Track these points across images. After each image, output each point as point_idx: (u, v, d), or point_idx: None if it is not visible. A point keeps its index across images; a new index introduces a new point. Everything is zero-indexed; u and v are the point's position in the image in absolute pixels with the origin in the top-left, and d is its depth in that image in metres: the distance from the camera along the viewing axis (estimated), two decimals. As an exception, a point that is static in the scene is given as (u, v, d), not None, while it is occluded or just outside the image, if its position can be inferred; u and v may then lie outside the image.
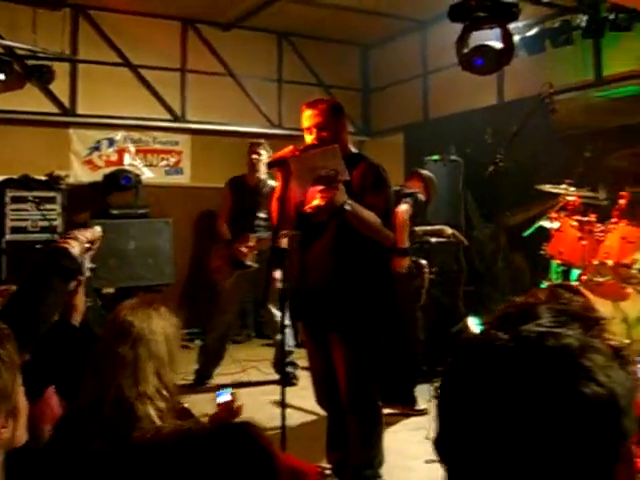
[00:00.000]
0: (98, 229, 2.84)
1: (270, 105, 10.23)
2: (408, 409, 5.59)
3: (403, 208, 5.72)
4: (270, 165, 3.96)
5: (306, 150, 3.77)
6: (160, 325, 2.36)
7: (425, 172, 6.42)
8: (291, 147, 3.78)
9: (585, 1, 7.24)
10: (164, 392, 2.29)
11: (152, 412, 2.22)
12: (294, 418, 5.43)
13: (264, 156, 6.75)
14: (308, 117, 3.84)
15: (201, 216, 9.44)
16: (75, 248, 2.60)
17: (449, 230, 6.88)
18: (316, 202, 3.74)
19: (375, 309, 3.92)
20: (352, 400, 3.91)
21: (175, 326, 2.43)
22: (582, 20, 7.20)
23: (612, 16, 6.96)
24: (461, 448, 0.94)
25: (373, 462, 3.99)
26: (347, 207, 3.59)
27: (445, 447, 0.97)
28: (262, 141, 6.98)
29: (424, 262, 6.20)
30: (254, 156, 6.82)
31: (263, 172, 6.83)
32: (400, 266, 5.63)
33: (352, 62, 11.02)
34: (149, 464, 1.15)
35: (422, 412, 5.45)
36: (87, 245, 2.71)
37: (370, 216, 3.71)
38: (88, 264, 2.78)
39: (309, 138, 3.83)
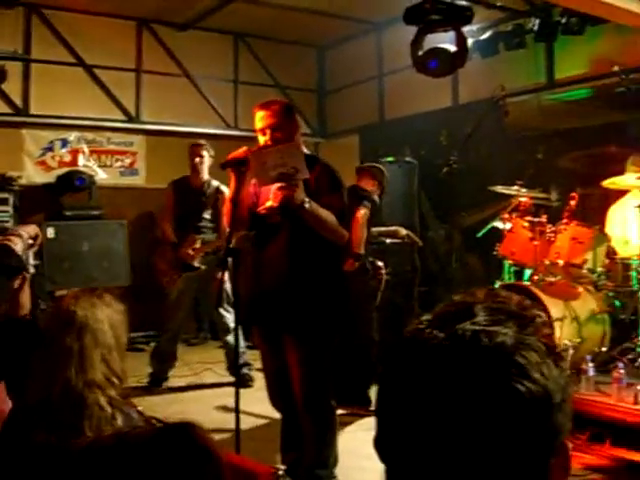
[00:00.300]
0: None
1: (226, 106, 10.20)
2: (363, 410, 5.61)
3: (361, 213, 5.75)
4: (224, 166, 3.95)
5: (262, 150, 3.78)
6: (105, 313, 2.32)
7: (374, 166, 6.40)
8: (244, 148, 3.78)
9: (537, 5, 7.34)
10: (113, 379, 2.26)
11: (102, 400, 2.19)
12: (250, 419, 5.43)
13: (206, 157, 6.76)
14: (261, 118, 3.84)
15: (157, 217, 9.38)
16: (17, 245, 2.57)
17: (403, 231, 6.93)
18: (269, 203, 3.74)
19: (329, 310, 3.93)
20: (306, 401, 3.92)
21: (121, 312, 2.39)
22: (535, 24, 7.32)
23: (564, 20, 7.08)
24: (399, 447, 0.94)
25: (327, 462, 4.00)
26: (306, 205, 3.61)
27: (384, 446, 0.98)
28: (203, 142, 6.96)
29: (380, 263, 6.23)
30: (197, 159, 6.80)
31: (206, 173, 6.83)
32: (351, 267, 5.65)
33: (308, 63, 11.03)
34: (88, 470, 1.14)
35: (377, 412, 5.48)
36: (30, 241, 2.68)
37: (327, 215, 3.73)
38: (32, 260, 2.74)
39: (263, 139, 3.84)
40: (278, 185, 3.65)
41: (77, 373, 2.20)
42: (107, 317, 2.33)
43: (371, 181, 6.16)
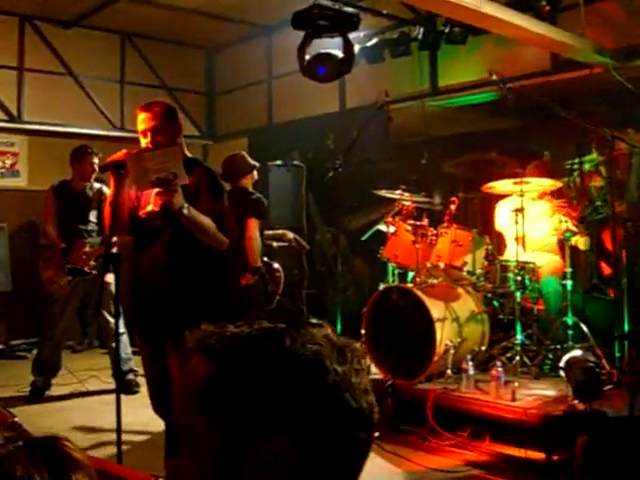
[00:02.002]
0: None
1: (112, 107, 9.98)
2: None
3: (253, 224, 5.72)
4: (103, 169, 3.86)
5: (141, 153, 3.72)
6: None
7: (239, 156, 6.20)
8: (124, 150, 3.71)
9: (422, 14, 7.51)
10: None
11: None
12: (135, 426, 5.34)
13: (96, 165, 6.63)
14: (143, 120, 3.78)
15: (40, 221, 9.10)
16: None
17: (291, 234, 6.97)
18: (150, 207, 3.69)
19: (209, 315, 3.90)
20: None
21: None
22: (419, 32, 7.49)
23: (447, 30, 7.26)
24: None
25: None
26: (185, 211, 3.57)
27: None
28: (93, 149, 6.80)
29: (277, 265, 6.24)
30: (89, 168, 6.64)
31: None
32: (247, 282, 5.64)
33: (197, 65, 10.97)
34: None
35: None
36: None
37: (206, 221, 3.70)
38: None
39: (144, 141, 3.78)
40: (157, 190, 3.61)
41: None
42: None
43: (248, 176, 6.08)
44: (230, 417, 0.99)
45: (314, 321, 1.14)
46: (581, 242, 6.02)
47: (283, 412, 0.97)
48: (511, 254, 6.03)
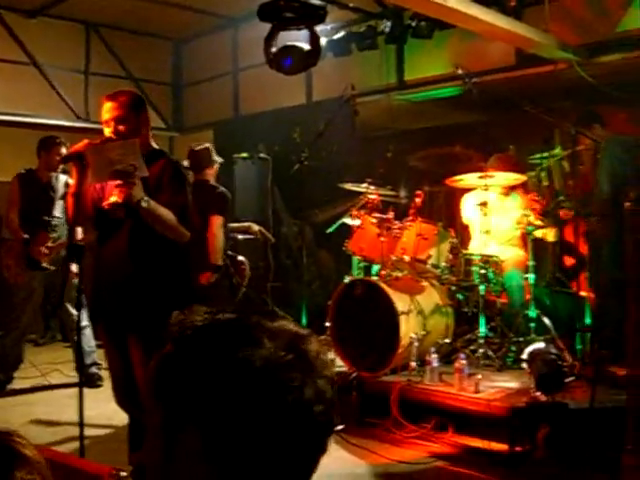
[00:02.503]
0: None
1: (76, 97, 9.86)
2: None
3: (218, 222, 5.69)
4: (65, 159, 3.82)
5: (103, 143, 3.68)
6: None
7: (205, 148, 6.15)
8: (86, 141, 3.67)
9: (389, 8, 7.52)
10: None
11: None
12: (99, 420, 5.31)
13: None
14: (107, 109, 3.74)
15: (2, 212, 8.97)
16: None
17: (256, 227, 6.95)
18: (114, 198, 3.66)
19: (172, 308, 3.86)
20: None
21: None
22: (386, 26, 7.49)
23: (414, 24, 7.28)
24: None
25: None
26: (143, 204, 3.55)
27: None
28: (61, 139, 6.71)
29: (242, 258, 6.22)
30: (57, 157, 6.54)
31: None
32: (207, 281, 5.62)
33: (163, 56, 10.87)
34: None
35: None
36: None
37: (166, 214, 3.67)
38: None
39: (107, 131, 3.74)
40: (116, 182, 3.58)
41: None
42: None
43: (212, 168, 6.06)
44: (163, 405, 1.01)
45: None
46: (550, 234, 6.07)
47: (198, 405, 0.98)
48: (476, 247, 6.08)
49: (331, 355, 1.10)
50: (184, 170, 3.86)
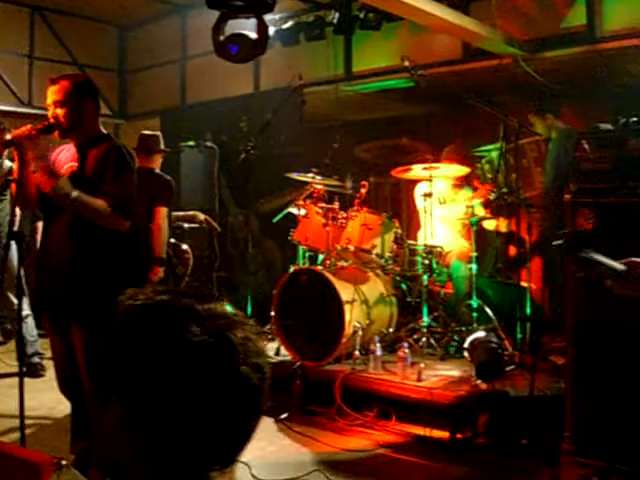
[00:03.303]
0: None
1: (20, 82, 9.65)
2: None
3: (162, 214, 5.64)
4: (4, 145, 3.75)
5: (42, 129, 3.62)
6: None
7: (156, 135, 6.13)
8: (29, 126, 3.61)
9: (337, -1, 7.54)
10: None
11: None
12: (40, 410, 5.24)
13: None
14: (50, 93, 3.68)
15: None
16: None
17: (202, 216, 6.92)
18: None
19: (113, 296, 3.82)
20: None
21: None
22: (334, 17, 7.49)
23: (362, 15, 7.30)
24: None
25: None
26: (73, 196, 3.50)
27: None
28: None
29: (185, 247, 6.18)
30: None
31: None
32: (156, 275, 5.57)
33: (109, 42, 10.70)
34: None
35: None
36: None
37: (98, 205, 3.61)
38: None
39: (50, 114, 3.69)
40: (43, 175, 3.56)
41: None
42: None
43: (159, 155, 6.02)
44: (94, 376, 1.12)
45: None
46: (502, 225, 6.14)
47: (118, 377, 1.06)
48: (422, 237, 6.14)
49: (264, 343, 1.15)
50: (128, 156, 3.79)
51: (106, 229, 3.70)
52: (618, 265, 3.36)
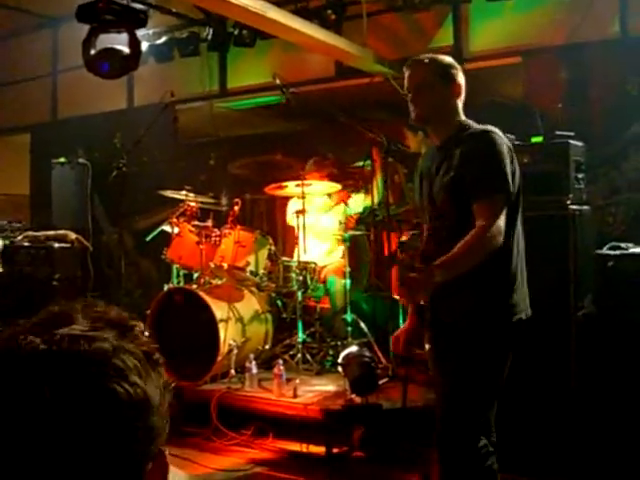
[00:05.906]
0: None
1: None
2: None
3: None
4: None
5: None
6: None
7: None
8: None
9: (212, 15, 7.51)
10: None
11: None
12: None
13: None
14: None
15: None
16: None
17: (73, 235, 6.75)
18: None
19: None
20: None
21: None
22: (209, 33, 7.47)
23: (236, 32, 7.30)
24: None
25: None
26: None
27: None
28: None
29: None
30: None
31: None
32: None
33: (-24, 54, 10.29)
34: None
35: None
36: None
37: None
38: None
39: None
40: None
41: None
42: None
43: None
44: None
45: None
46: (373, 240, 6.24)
47: None
48: (297, 254, 6.18)
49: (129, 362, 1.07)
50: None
51: None
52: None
